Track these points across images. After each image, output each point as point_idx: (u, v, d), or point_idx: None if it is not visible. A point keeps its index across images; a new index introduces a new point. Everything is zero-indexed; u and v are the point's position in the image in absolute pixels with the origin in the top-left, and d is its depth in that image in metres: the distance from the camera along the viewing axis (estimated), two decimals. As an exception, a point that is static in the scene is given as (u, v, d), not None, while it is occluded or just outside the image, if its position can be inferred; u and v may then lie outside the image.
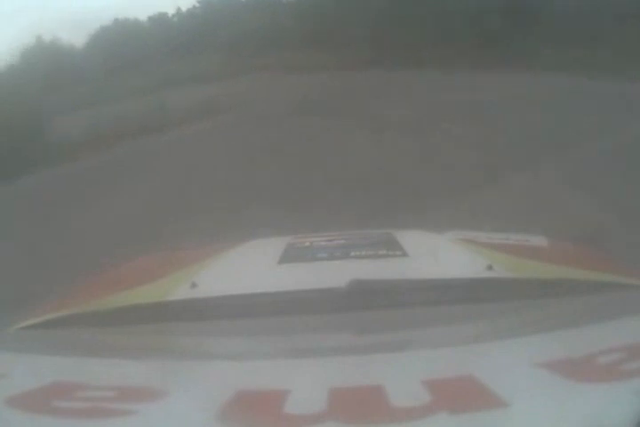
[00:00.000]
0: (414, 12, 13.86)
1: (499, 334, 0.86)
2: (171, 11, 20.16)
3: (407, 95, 10.25)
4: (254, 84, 12.64)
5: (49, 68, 12.91)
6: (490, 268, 1.10)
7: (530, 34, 12.19)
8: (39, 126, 9.77)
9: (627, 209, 4.24)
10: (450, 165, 6.20)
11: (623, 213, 4.20)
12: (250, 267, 1.34)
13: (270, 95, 11.40)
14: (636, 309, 0.93)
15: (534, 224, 3.08)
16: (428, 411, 0.57)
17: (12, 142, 8.54)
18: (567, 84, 9.31)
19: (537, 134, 6.85)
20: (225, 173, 6.85)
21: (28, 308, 1.19)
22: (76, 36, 17.70)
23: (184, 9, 20.16)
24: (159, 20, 19.55)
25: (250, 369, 0.73)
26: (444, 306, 0.98)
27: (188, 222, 4.75)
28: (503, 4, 13.02)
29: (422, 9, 14.03)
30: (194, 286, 1.08)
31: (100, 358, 0.83)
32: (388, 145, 7.41)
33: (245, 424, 0.57)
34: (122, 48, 15.89)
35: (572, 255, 1.50)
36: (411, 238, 1.45)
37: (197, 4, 20.07)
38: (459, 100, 9.16)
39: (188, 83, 13.58)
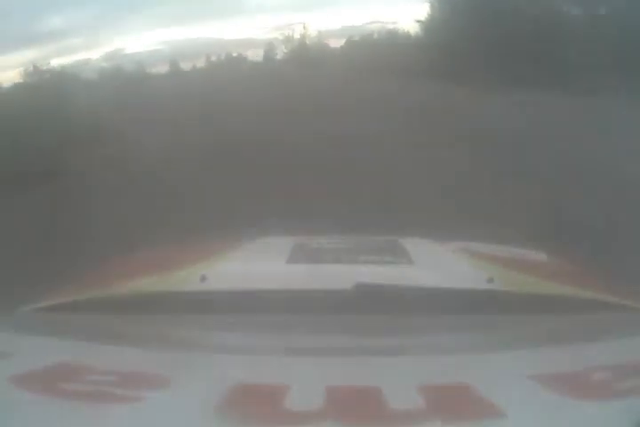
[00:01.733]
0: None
1: (495, 346, 0.87)
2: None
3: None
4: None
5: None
6: (491, 280, 1.12)
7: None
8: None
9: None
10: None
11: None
12: (259, 265, 1.37)
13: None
14: (628, 330, 0.94)
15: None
16: (423, 417, 0.58)
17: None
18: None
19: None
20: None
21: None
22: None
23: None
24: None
25: (252, 364, 0.74)
26: (444, 315, 0.99)
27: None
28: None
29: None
30: (203, 279, 1.11)
31: (106, 343, 0.84)
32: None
33: (244, 418, 0.58)
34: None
35: (569, 273, 1.51)
36: (416, 247, 1.47)
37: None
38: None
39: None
